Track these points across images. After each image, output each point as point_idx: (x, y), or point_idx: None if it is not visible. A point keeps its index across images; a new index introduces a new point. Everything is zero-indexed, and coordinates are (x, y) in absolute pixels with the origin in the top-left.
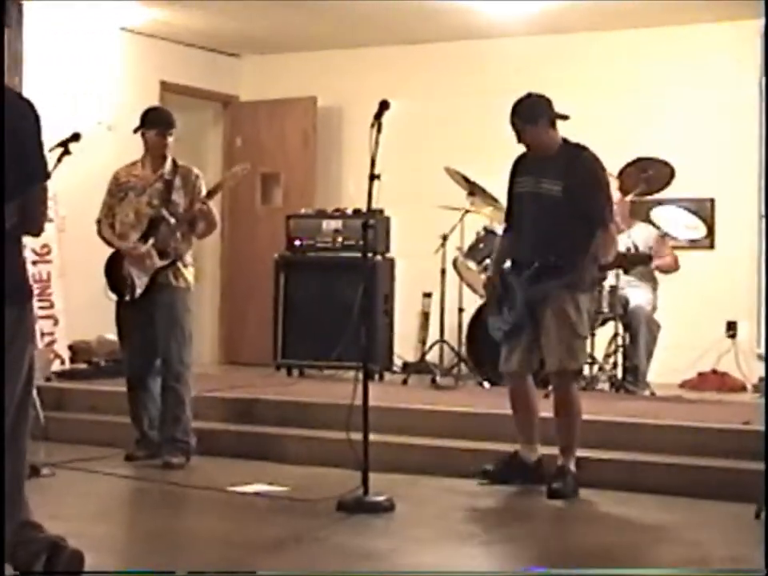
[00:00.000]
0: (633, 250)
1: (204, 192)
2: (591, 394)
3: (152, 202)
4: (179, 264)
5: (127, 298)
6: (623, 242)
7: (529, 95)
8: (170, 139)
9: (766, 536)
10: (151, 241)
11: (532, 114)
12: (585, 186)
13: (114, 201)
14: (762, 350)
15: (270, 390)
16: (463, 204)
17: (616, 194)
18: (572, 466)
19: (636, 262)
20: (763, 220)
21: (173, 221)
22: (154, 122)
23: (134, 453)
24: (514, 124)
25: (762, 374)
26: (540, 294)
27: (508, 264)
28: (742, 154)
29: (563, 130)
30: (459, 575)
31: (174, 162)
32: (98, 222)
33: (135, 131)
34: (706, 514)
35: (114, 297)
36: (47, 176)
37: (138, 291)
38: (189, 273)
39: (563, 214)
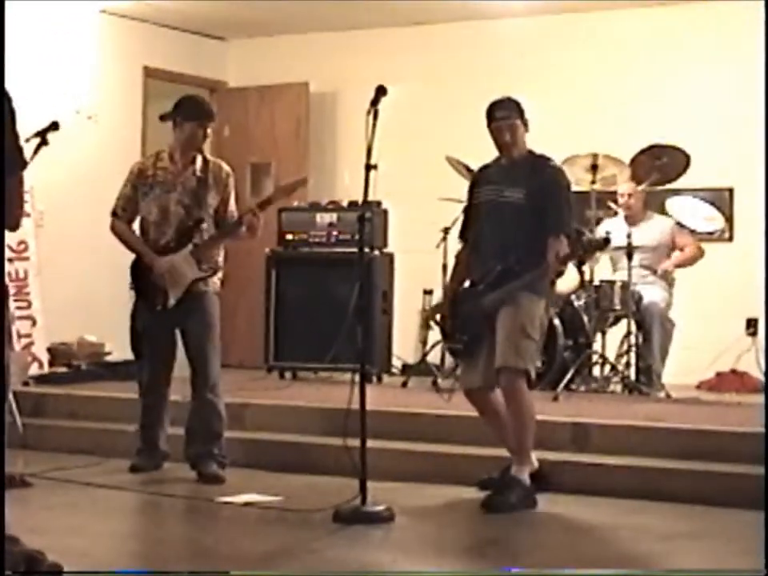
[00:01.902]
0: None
1: (233, 192)
2: (603, 396)
3: (183, 201)
4: None
5: (158, 307)
6: (639, 236)
7: (509, 98)
8: (210, 132)
9: (766, 536)
10: (189, 248)
11: (523, 114)
12: (546, 192)
13: (136, 195)
14: None
15: (262, 393)
16: (465, 195)
17: (624, 187)
18: (523, 476)
19: (594, 248)
20: None
21: (208, 231)
22: (194, 114)
23: (141, 464)
24: (502, 118)
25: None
26: (499, 301)
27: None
28: (763, 140)
29: (571, 123)
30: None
31: (204, 156)
32: (114, 214)
33: (165, 119)
34: (724, 522)
35: (135, 298)
36: (24, 165)
37: (172, 301)
38: (217, 277)
39: (526, 220)
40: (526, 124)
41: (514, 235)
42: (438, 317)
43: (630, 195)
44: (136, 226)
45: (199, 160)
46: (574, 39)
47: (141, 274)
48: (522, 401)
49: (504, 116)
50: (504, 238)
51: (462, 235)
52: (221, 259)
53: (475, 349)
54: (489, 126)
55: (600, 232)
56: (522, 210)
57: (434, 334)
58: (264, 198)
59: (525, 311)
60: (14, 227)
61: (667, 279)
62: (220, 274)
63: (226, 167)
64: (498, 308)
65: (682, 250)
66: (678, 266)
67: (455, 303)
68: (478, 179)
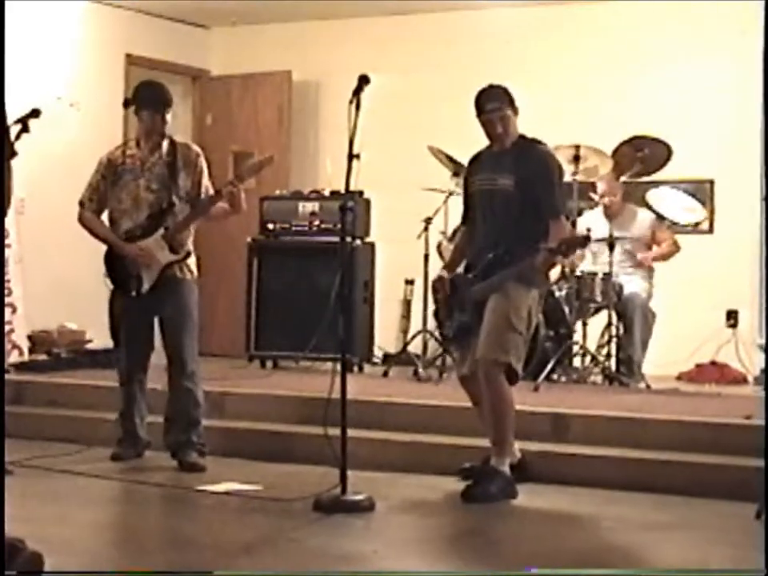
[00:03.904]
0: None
1: (206, 172)
2: (583, 386)
3: (152, 187)
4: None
5: (133, 293)
6: (619, 228)
7: (497, 85)
8: (168, 117)
9: (766, 536)
10: (161, 232)
11: (513, 101)
12: (536, 177)
13: (105, 185)
14: (764, 340)
15: (243, 382)
16: (447, 185)
17: (600, 186)
18: (503, 467)
19: (574, 245)
20: (765, 203)
21: (181, 214)
22: (148, 102)
23: (122, 453)
24: (492, 110)
25: (764, 365)
26: (488, 290)
27: (460, 269)
28: (744, 132)
29: (554, 114)
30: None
31: (171, 139)
32: (81, 204)
33: (127, 106)
34: (703, 513)
35: (111, 285)
36: (13, 153)
37: (146, 286)
38: (192, 262)
39: (515, 208)
40: (515, 110)
41: (504, 224)
42: (437, 294)
43: (603, 195)
44: (105, 216)
45: (166, 144)
46: (556, 30)
47: (114, 262)
48: (500, 393)
49: (494, 108)
50: (495, 226)
51: (464, 221)
52: (190, 243)
53: (466, 337)
54: (478, 116)
55: (581, 224)
56: (512, 197)
57: (415, 324)
58: (232, 177)
59: (512, 302)
60: (3, 214)
61: (646, 270)
62: (194, 258)
63: (195, 147)
64: (486, 297)
65: (659, 244)
66: (655, 259)
67: (451, 289)
68: (472, 168)
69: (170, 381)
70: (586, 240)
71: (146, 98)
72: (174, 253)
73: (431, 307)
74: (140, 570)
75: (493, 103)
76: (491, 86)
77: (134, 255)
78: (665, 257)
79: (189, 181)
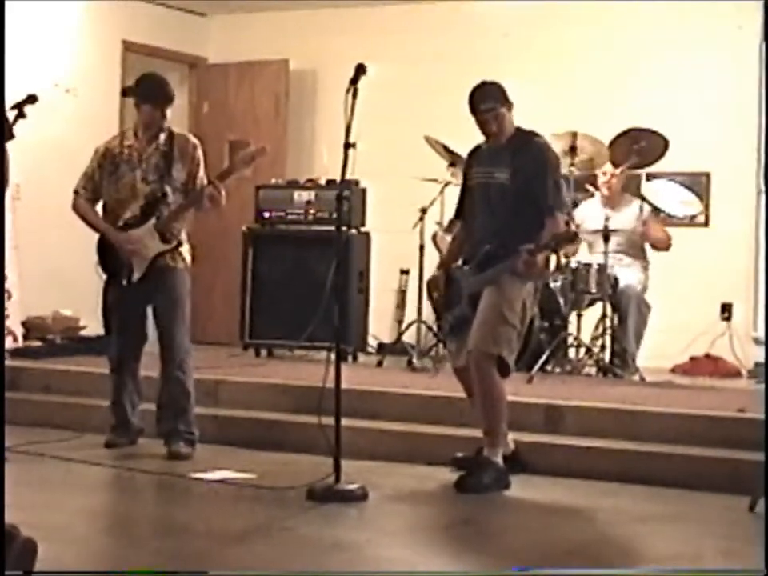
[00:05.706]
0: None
1: (202, 163)
2: (577, 378)
3: (148, 177)
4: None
5: (124, 282)
6: (616, 219)
7: (490, 82)
8: (168, 112)
9: (766, 534)
10: (152, 221)
11: (507, 97)
12: (532, 171)
13: (101, 174)
14: (761, 334)
15: (237, 371)
16: (444, 176)
17: (608, 166)
18: (495, 458)
19: (563, 240)
20: (762, 195)
21: (174, 204)
22: (150, 97)
23: (115, 440)
24: (486, 110)
25: (758, 358)
26: (483, 282)
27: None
28: (741, 124)
29: (550, 106)
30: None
31: (169, 130)
32: (76, 192)
33: (127, 95)
34: (697, 505)
35: (104, 276)
36: (11, 135)
37: (136, 275)
38: (186, 252)
39: (510, 201)
40: (510, 106)
41: (499, 217)
42: (433, 293)
43: (612, 175)
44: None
45: (163, 134)
46: (554, 22)
47: (105, 251)
48: (491, 384)
49: (488, 108)
50: (491, 220)
51: (458, 214)
52: (184, 233)
53: (463, 329)
54: (473, 114)
55: (578, 215)
56: (507, 190)
57: (410, 314)
58: (223, 169)
59: (506, 295)
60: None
61: (641, 262)
62: (187, 248)
63: (192, 139)
64: (481, 289)
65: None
66: (649, 237)
67: (448, 281)
68: (471, 161)
69: (162, 369)
70: (575, 236)
71: (148, 92)
72: (165, 242)
73: (426, 298)
74: (139, 569)
75: (486, 103)
76: (484, 84)
77: (124, 244)
78: (653, 241)
79: (184, 172)
